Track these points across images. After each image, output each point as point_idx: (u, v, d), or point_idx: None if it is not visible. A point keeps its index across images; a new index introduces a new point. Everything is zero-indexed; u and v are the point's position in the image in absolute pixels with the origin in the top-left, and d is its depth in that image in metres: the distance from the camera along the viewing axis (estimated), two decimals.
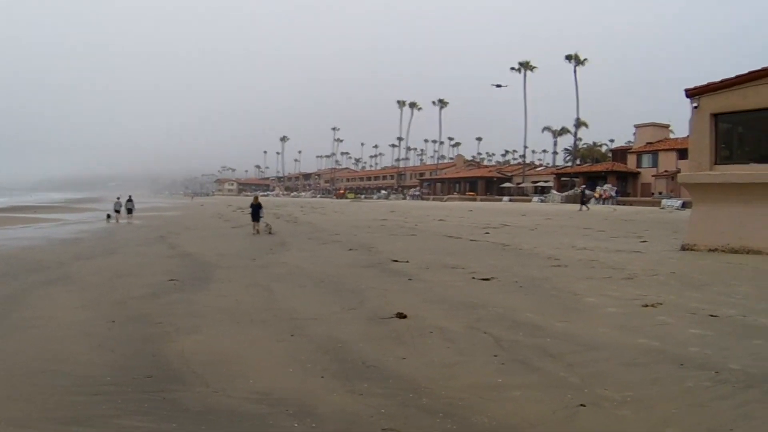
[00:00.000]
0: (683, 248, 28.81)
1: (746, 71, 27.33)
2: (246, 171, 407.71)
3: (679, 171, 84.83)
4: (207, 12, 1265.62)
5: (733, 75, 27.71)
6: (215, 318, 14.63)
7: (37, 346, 12.17)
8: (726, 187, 27.54)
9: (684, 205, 76.47)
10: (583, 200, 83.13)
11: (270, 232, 42.35)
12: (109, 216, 63.92)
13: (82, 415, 8.29)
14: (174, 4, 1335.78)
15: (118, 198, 67.94)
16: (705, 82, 28.47)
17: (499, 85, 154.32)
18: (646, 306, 15.43)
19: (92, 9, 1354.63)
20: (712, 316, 14.32)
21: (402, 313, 14.31)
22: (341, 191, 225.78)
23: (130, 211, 64.98)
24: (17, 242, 37.39)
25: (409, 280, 20.08)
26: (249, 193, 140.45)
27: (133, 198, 68.16)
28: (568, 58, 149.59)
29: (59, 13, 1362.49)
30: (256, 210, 43.64)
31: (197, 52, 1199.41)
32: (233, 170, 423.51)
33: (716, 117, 28.38)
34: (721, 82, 28.09)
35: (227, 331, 13.33)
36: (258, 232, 42.52)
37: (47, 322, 14.50)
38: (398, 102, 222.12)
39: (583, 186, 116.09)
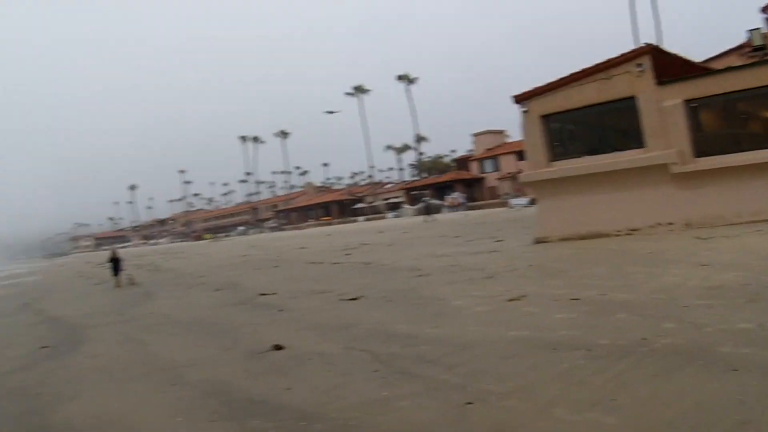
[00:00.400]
0: (536, 242, 30.31)
1: (568, 74, 29.01)
2: (100, 225, 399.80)
3: (520, 171, 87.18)
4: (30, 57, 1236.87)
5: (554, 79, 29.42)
6: (94, 379, 14.42)
7: None
8: (564, 181, 29.75)
9: (531, 203, 78.45)
10: (428, 211, 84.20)
11: (133, 283, 41.69)
12: None
13: None
14: None
15: None
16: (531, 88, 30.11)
17: (331, 112, 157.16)
18: (511, 300, 16.06)
19: None
20: (573, 299, 15.08)
21: (279, 345, 14.43)
22: (196, 234, 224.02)
23: None
24: None
25: (280, 311, 20.18)
26: (107, 247, 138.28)
27: None
28: (400, 78, 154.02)
29: None
30: (115, 264, 42.84)
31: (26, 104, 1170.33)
32: (87, 225, 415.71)
33: (546, 118, 30.63)
34: (546, 86, 30.25)
35: (109, 390, 13.15)
36: (120, 285, 41.57)
37: None
38: (241, 138, 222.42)
39: (426, 198, 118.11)
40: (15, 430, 11.43)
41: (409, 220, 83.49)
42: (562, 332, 12.04)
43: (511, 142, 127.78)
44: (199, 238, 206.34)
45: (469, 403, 8.78)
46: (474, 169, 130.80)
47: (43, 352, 19.31)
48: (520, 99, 30.46)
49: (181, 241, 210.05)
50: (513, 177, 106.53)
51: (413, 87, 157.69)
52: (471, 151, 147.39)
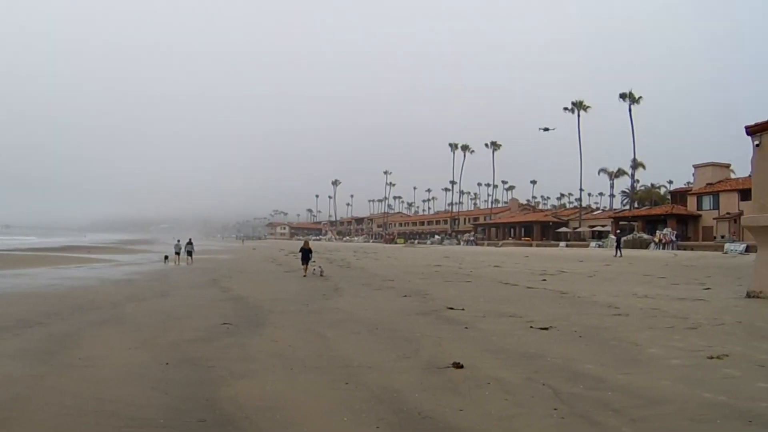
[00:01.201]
0: (748, 295, 27.42)
1: None
2: (298, 215, 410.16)
3: (741, 213, 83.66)
4: (262, 56, 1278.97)
5: None
6: (268, 363, 14.50)
7: (89, 386, 12.12)
8: None
9: (747, 249, 75.19)
10: (618, 246, 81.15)
11: (321, 275, 43.65)
12: (166, 257, 65.25)
13: None
14: (228, 48, 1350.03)
15: (178, 240, 69.80)
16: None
17: (546, 129, 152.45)
18: (712, 358, 14.97)
19: (148, 54, 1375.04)
20: None
21: (458, 363, 14.02)
22: (390, 236, 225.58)
23: (189, 253, 66.07)
24: (71, 282, 37.66)
25: (465, 328, 19.72)
26: (301, 237, 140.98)
27: (192, 241, 69.58)
28: (623, 96, 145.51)
29: (117, 59, 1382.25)
30: (305, 254, 45.80)
31: (251, 96, 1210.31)
32: (285, 214, 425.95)
33: None
34: None
35: (281, 376, 13.17)
36: (306, 275, 43.85)
37: (100, 362, 14.50)
38: (450, 145, 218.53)
39: (618, 231, 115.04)
40: (183, 396, 11.49)
41: (613, 251, 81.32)
42: (761, 404, 11.05)
43: (735, 179, 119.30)
44: (390, 240, 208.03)
45: None
46: (691, 205, 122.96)
47: (224, 329, 19.66)
48: (753, 130, 27.03)
49: (375, 242, 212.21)
50: (733, 218, 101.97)
51: (636, 107, 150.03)
52: (690, 183, 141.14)
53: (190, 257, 65.77)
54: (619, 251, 77.01)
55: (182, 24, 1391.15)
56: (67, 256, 69.99)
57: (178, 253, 65.15)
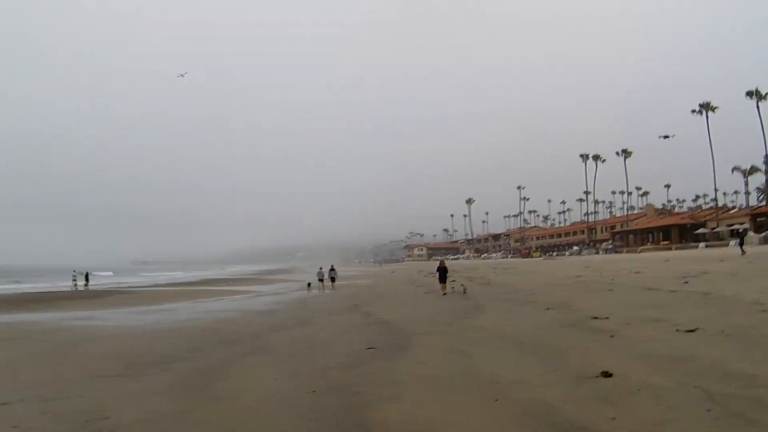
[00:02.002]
0: None
1: None
2: (434, 235, 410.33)
3: None
4: (383, 81, 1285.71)
5: None
6: (416, 385, 14.52)
7: (238, 417, 12.38)
8: None
9: None
10: (741, 243, 76.92)
11: (464, 292, 44.75)
12: (309, 285, 66.68)
13: None
14: (359, 72, 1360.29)
15: (320, 268, 71.59)
16: None
17: (666, 136, 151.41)
18: None
19: (277, 91, 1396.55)
20: None
21: (607, 372, 13.84)
22: (526, 250, 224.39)
23: (333, 279, 68.60)
24: (214, 315, 38.38)
25: (611, 336, 19.43)
26: (438, 258, 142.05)
27: (335, 267, 72.21)
28: (749, 94, 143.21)
29: (248, 96, 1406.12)
30: (443, 273, 47.10)
31: (373, 122, 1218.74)
32: (421, 235, 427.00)
33: None
34: None
35: (430, 398, 13.18)
36: (445, 293, 44.92)
37: (247, 393, 14.75)
38: (581, 155, 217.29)
39: (740, 230, 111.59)
40: (332, 423, 11.63)
41: (753, 249, 79.06)
42: None
43: None
44: (527, 255, 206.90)
45: None
46: None
47: (369, 353, 19.81)
48: None
49: (513, 257, 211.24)
50: None
51: (763, 103, 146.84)
52: None
53: (332, 283, 67.82)
54: (742, 249, 73.36)
55: (328, 49, 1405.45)
56: (207, 290, 71.40)
57: (321, 280, 67.04)
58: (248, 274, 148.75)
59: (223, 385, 15.84)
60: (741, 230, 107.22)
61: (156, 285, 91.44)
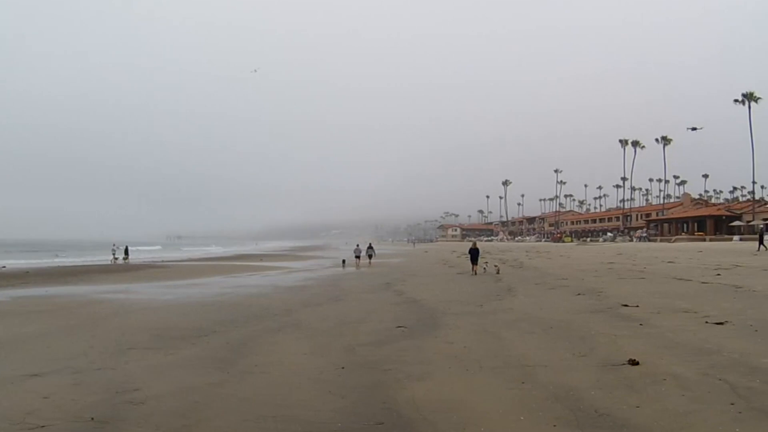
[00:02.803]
0: None
1: None
2: (469, 216, 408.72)
3: None
4: (425, 52, 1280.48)
5: None
6: (444, 365, 14.67)
7: (267, 392, 12.50)
8: None
9: None
10: (762, 240, 74.98)
11: (498, 272, 47.12)
12: (344, 261, 68.11)
13: None
14: (398, 45, 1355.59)
15: (358, 245, 73.78)
16: None
17: (694, 128, 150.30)
18: None
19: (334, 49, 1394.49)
20: None
21: (634, 360, 13.97)
22: (558, 235, 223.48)
23: (370, 256, 70.75)
24: (245, 290, 38.50)
25: (640, 325, 19.49)
26: (471, 239, 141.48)
27: (373, 245, 74.94)
28: None
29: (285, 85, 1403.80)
30: (474, 254, 50.35)
31: (419, 102, 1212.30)
32: (456, 216, 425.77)
33: None
34: None
35: (457, 377, 13.34)
36: (476, 273, 47.44)
37: (277, 368, 14.91)
38: (620, 141, 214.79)
39: (762, 226, 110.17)
40: (360, 399, 11.74)
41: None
42: None
43: None
44: (558, 239, 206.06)
45: None
46: None
47: (399, 332, 19.94)
48: None
49: (546, 241, 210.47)
50: None
51: None
52: None
53: (369, 260, 69.75)
54: (762, 245, 71.44)
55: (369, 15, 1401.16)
56: (240, 265, 71.53)
57: (358, 257, 68.69)
58: (282, 250, 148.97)
59: (252, 359, 16.02)
60: (762, 227, 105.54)
61: (190, 260, 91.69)
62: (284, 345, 18.18)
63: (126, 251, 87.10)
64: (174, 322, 23.21)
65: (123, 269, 64.55)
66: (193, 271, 59.98)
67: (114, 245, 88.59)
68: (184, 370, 14.73)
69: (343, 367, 14.53)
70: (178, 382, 13.43)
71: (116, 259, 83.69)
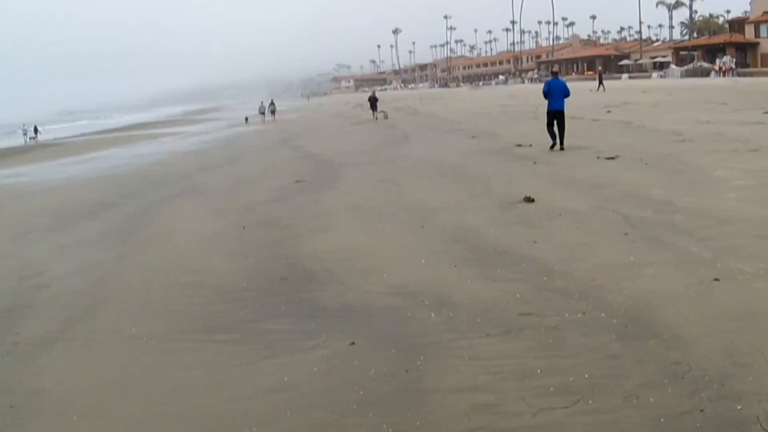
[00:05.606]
0: None
1: None
2: (361, 67, 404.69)
3: None
4: None
5: None
6: (344, 216, 14.90)
7: (171, 259, 12.45)
8: None
9: None
10: (600, 80, 76.16)
11: (386, 118, 50.78)
12: (247, 119, 71.18)
13: (223, 323, 8.38)
14: None
15: (261, 102, 78.15)
16: None
17: None
18: None
19: None
20: None
21: (529, 197, 14.40)
22: (444, 81, 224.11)
23: (273, 112, 74.76)
24: (142, 159, 37.74)
25: (534, 163, 20.09)
26: (367, 89, 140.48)
27: (275, 102, 79.26)
28: None
29: None
30: (373, 102, 54.84)
31: None
32: (348, 67, 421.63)
33: None
34: None
35: (358, 227, 13.58)
36: (377, 119, 50.64)
37: (179, 234, 14.82)
38: None
39: (599, 68, 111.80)
40: (263, 257, 11.82)
41: (675, 81, 79.66)
42: None
43: None
44: (444, 84, 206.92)
45: (716, 280, 8.34)
46: (749, 33, 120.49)
47: (297, 186, 20.08)
48: None
49: (440, 87, 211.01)
50: None
51: None
52: (747, 12, 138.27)
53: (273, 116, 73.67)
54: (602, 86, 73.20)
55: None
56: (135, 135, 69.93)
57: (263, 113, 73.35)
58: (177, 116, 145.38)
59: (154, 228, 15.86)
60: (600, 68, 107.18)
61: (83, 134, 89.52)
62: (185, 211, 18.03)
63: (35, 130, 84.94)
64: (73, 200, 22.46)
65: (18, 152, 62.81)
66: (90, 145, 58.69)
67: (24, 125, 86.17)
68: (86, 247, 14.44)
69: (244, 227, 14.58)
70: (81, 260, 13.16)
71: (31, 138, 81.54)
